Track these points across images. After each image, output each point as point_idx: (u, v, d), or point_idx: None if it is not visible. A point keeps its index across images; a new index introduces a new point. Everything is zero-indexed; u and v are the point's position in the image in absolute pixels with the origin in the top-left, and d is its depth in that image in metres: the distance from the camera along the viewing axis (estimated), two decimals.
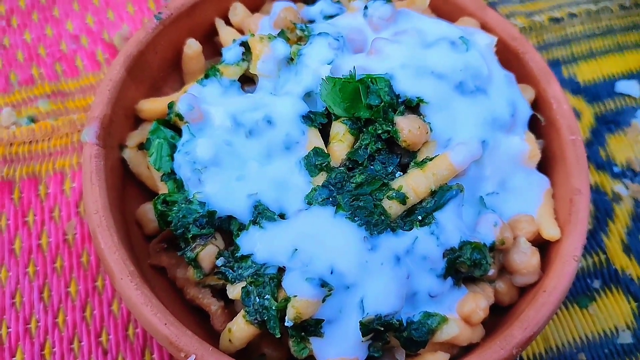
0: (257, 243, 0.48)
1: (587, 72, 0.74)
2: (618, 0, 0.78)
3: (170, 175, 0.53)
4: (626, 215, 0.66)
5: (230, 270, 0.49)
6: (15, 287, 0.59)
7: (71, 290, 0.59)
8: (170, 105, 0.54)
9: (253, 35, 0.55)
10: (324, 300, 0.46)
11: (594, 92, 0.73)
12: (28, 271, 0.59)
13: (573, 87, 0.73)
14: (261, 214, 0.48)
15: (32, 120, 0.66)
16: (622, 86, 0.74)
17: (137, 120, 0.57)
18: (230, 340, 0.48)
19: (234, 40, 0.56)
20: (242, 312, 0.48)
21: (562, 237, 0.53)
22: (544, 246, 0.54)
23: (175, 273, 0.53)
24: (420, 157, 0.51)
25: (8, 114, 0.65)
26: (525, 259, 0.52)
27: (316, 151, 0.50)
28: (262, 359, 0.51)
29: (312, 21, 0.58)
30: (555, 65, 0.74)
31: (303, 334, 0.47)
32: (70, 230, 0.61)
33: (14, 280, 0.59)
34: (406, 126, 0.49)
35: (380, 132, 0.50)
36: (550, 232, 0.53)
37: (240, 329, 0.48)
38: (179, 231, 0.50)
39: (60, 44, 0.71)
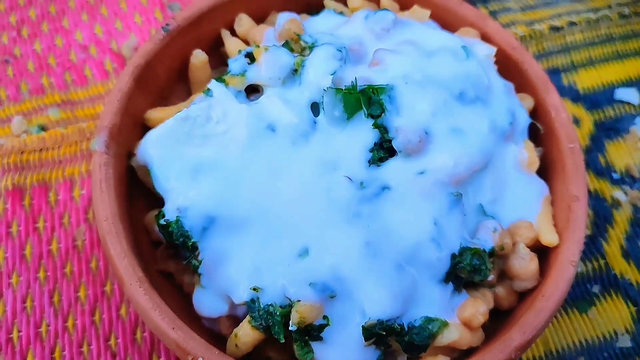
0: None
1: (586, 80, 0.75)
2: (617, 9, 0.79)
3: None
4: (625, 221, 0.67)
5: None
6: (27, 291, 0.60)
7: (80, 295, 0.60)
8: None
9: (258, 46, 0.56)
10: (326, 305, 0.47)
11: (594, 100, 0.74)
12: (39, 276, 0.61)
13: (573, 94, 0.74)
14: None
15: (43, 128, 0.67)
16: (621, 93, 0.74)
17: (145, 129, 0.58)
18: (236, 345, 0.50)
19: (240, 51, 0.57)
20: (248, 317, 0.49)
21: (560, 243, 0.53)
22: (542, 252, 0.55)
23: (182, 279, 0.54)
24: None
25: (19, 123, 0.67)
26: (524, 264, 0.53)
27: None
28: None
29: (316, 32, 0.59)
30: (555, 73, 0.75)
31: (307, 338, 0.48)
32: (79, 236, 0.63)
33: (25, 285, 0.60)
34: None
35: (382, 141, 0.51)
36: (549, 238, 0.54)
37: (245, 334, 0.49)
38: (180, 240, 0.51)
39: (69, 53, 0.72)
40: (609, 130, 0.72)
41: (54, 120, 0.68)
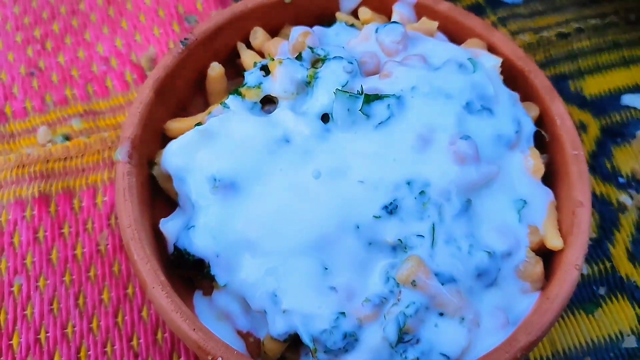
0: None
1: (593, 86, 0.76)
2: (624, 15, 0.80)
3: None
4: (631, 225, 0.68)
5: None
6: (53, 294, 0.63)
7: (104, 297, 0.63)
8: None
9: (273, 59, 0.58)
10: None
11: (600, 106, 0.75)
12: (64, 279, 0.63)
13: (579, 100, 0.75)
14: None
15: (67, 138, 0.70)
16: (628, 99, 0.76)
17: (165, 139, 0.61)
18: (265, 352, 0.53)
19: (255, 64, 0.60)
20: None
21: (565, 247, 0.55)
22: (547, 256, 0.56)
23: (201, 283, 0.57)
24: None
25: (44, 133, 0.70)
26: (530, 267, 0.54)
27: None
28: None
29: (328, 45, 0.61)
30: (562, 79, 0.76)
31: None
32: (102, 241, 0.65)
33: (51, 288, 0.63)
34: None
35: None
36: (554, 242, 0.55)
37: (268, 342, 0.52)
38: (194, 266, 0.54)
39: (91, 65, 0.75)
40: (616, 135, 0.73)
41: (78, 130, 0.71)
